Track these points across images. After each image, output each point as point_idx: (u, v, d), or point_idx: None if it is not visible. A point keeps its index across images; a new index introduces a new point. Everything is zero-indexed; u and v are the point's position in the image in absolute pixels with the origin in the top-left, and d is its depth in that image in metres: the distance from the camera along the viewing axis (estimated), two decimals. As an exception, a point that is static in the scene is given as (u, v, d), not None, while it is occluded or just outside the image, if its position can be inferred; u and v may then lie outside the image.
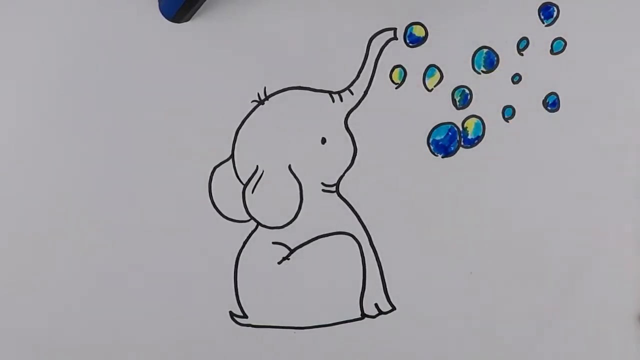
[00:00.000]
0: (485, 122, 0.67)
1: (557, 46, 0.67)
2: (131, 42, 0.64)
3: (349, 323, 0.67)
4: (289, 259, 0.67)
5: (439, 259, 0.67)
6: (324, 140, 0.66)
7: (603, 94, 0.67)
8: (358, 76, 0.66)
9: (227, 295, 0.67)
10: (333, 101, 0.66)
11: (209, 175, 0.66)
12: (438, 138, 0.67)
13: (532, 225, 0.67)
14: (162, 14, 0.64)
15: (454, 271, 0.67)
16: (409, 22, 0.66)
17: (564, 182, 0.67)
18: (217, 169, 0.66)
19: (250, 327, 0.67)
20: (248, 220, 0.66)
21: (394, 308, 0.68)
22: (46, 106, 0.64)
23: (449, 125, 0.67)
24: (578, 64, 0.67)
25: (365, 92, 0.66)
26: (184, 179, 0.66)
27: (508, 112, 0.67)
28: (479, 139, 0.67)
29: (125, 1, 0.64)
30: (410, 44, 0.66)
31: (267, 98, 0.66)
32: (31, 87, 0.64)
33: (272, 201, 0.66)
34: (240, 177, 0.66)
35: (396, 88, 0.66)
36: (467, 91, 0.66)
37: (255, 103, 0.66)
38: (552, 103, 0.67)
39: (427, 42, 0.66)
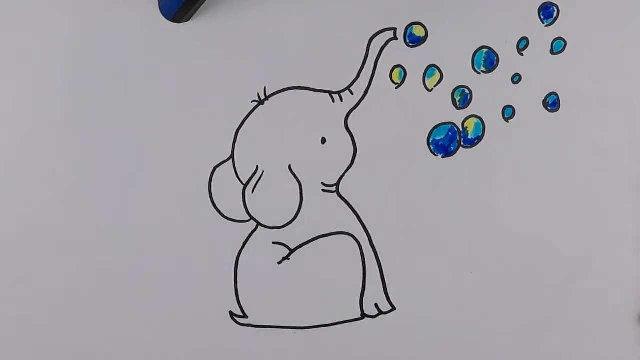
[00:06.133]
0: (485, 122, 0.67)
1: (557, 46, 0.67)
2: (131, 42, 0.64)
3: (349, 323, 0.67)
4: (289, 259, 0.67)
5: (439, 259, 0.67)
6: (324, 140, 0.66)
7: (603, 94, 0.67)
8: (358, 76, 0.66)
9: (227, 295, 0.67)
10: (333, 101, 0.66)
11: (209, 175, 0.66)
12: (438, 138, 0.67)
13: (532, 225, 0.67)
14: (162, 14, 0.64)
15: (454, 271, 0.67)
16: (409, 22, 0.66)
17: (564, 182, 0.67)
18: (217, 169, 0.66)
19: (250, 327, 0.67)
20: (248, 220, 0.66)
21: (394, 308, 0.68)
22: (46, 106, 0.64)
23: (449, 125, 0.67)
24: (578, 64, 0.67)
25: (365, 92, 0.66)
26: (184, 179, 0.66)
27: (508, 112, 0.67)
28: (479, 139, 0.67)
29: (125, 1, 0.64)
30: (410, 44, 0.66)
31: (267, 98, 0.66)
32: (31, 87, 0.64)
33: (272, 201, 0.66)
34: (240, 177, 0.66)
35: (396, 88, 0.66)
36: (467, 91, 0.66)
37: (255, 103, 0.66)
38: (552, 103, 0.67)
39: (427, 42, 0.66)
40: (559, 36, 0.66)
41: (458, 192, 0.67)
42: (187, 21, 0.65)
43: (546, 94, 0.67)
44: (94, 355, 0.66)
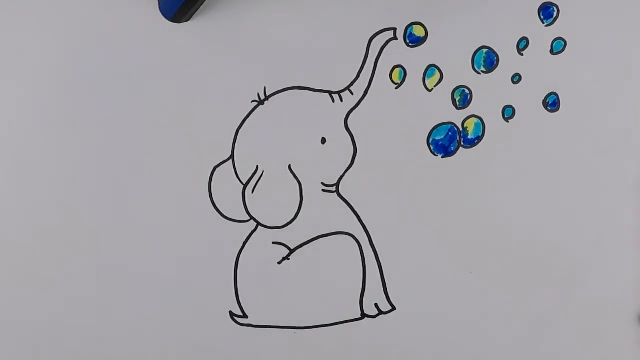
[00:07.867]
0: (485, 122, 0.67)
1: (557, 46, 0.67)
2: (131, 42, 0.64)
3: (349, 323, 0.67)
4: (289, 259, 0.67)
5: (439, 259, 0.67)
6: (324, 140, 0.66)
7: (603, 94, 0.67)
8: (358, 76, 0.66)
9: (227, 295, 0.67)
10: (333, 101, 0.66)
11: (209, 175, 0.66)
12: (438, 138, 0.67)
13: (532, 225, 0.67)
14: (162, 14, 0.64)
15: (454, 271, 0.67)
16: (409, 22, 0.66)
17: (564, 182, 0.67)
18: (217, 169, 0.66)
19: (250, 327, 0.67)
20: (248, 220, 0.66)
21: (394, 308, 0.68)
22: (46, 106, 0.64)
23: (449, 125, 0.67)
24: (578, 64, 0.67)
25: (365, 92, 0.66)
26: (184, 179, 0.66)
27: (508, 112, 0.67)
28: (479, 139, 0.67)
29: (125, 1, 0.64)
30: (410, 44, 0.66)
31: (267, 98, 0.66)
32: (31, 87, 0.64)
33: (272, 201, 0.66)
34: (240, 177, 0.66)
35: (396, 88, 0.66)
36: (467, 91, 0.66)
37: (255, 103, 0.66)
38: (552, 103, 0.67)
39: (427, 42, 0.66)
40: (559, 36, 0.66)
41: (458, 192, 0.67)
42: (187, 21, 0.65)
43: (546, 94, 0.67)
44: (94, 355, 0.66)
